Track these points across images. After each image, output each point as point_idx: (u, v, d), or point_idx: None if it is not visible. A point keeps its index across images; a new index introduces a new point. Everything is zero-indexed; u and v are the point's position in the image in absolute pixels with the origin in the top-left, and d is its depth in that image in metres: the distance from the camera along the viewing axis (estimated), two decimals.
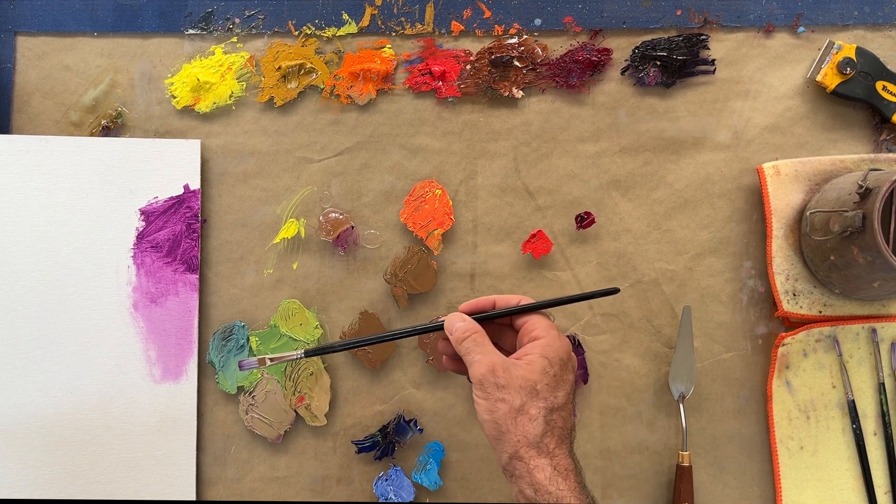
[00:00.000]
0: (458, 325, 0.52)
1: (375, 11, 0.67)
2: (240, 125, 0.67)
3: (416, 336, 0.59)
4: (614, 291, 0.53)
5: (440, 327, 0.53)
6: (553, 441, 0.48)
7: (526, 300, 0.54)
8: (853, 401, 0.63)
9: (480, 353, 0.50)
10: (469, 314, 0.53)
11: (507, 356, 0.51)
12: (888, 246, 0.55)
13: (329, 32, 0.67)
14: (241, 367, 0.54)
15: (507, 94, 0.66)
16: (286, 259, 0.66)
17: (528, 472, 0.47)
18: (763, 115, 0.66)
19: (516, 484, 0.48)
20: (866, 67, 0.64)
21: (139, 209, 0.65)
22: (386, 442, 0.64)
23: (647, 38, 0.66)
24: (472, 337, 0.51)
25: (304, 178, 0.67)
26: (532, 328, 0.52)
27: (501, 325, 0.55)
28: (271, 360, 0.54)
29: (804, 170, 0.63)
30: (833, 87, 0.64)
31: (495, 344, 0.52)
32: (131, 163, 0.65)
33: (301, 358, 0.54)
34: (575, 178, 0.66)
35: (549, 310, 0.54)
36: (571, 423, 0.51)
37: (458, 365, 0.54)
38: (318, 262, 0.66)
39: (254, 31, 0.67)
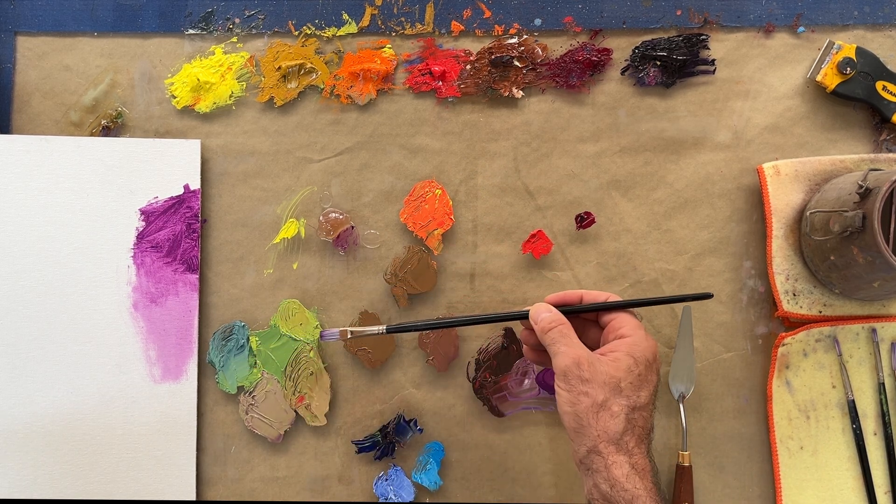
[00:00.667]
0: (545, 315, 0.52)
1: (375, 11, 0.67)
2: (240, 125, 0.67)
3: (478, 324, 0.60)
4: (708, 296, 0.54)
5: (525, 315, 0.54)
6: (633, 440, 0.48)
7: (614, 297, 0.54)
8: (853, 401, 0.63)
9: (566, 344, 0.50)
10: (555, 306, 0.53)
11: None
12: (888, 246, 0.55)
13: (329, 32, 0.67)
14: (322, 336, 0.56)
15: (507, 94, 0.66)
16: (286, 259, 0.66)
17: (605, 468, 0.47)
18: (763, 115, 0.66)
19: (591, 478, 0.48)
20: (866, 67, 0.64)
21: (139, 209, 0.65)
22: (386, 442, 0.64)
23: (647, 38, 0.66)
24: (559, 328, 0.51)
25: (304, 178, 0.67)
26: (619, 325, 0.52)
27: (586, 321, 0.55)
28: (352, 332, 0.56)
29: (804, 170, 0.63)
30: (833, 87, 0.64)
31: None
32: (131, 163, 0.65)
33: (382, 333, 0.56)
34: (575, 178, 0.66)
35: (636, 309, 0.54)
36: (651, 424, 0.50)
37: (540, 356, 0.54)
38: (318, 262, 0.66)
39: (254, 31, 0.67)
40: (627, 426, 0.48)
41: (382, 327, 0.56)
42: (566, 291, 0.55)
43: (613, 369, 0.49)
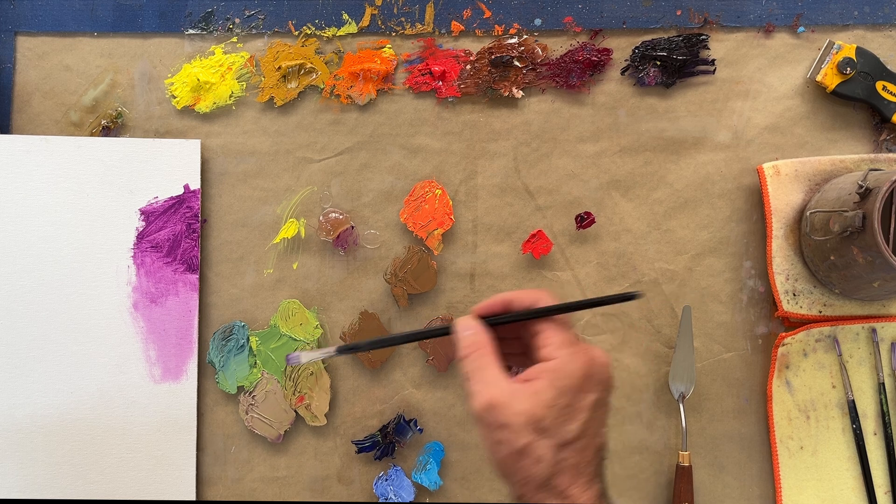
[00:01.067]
0: (463, 335, 0.45)
1: (375, 11, 0.67)
2: (240, 125, 0.67)
3: (411, 342, 0.55)
4: (634, 296, 0.46)
5: (448, 332, 0.47)
6: (566, 479, 0.42)
7: (545, 298, 0.46)
8: (853, 401, 0.63)
9: (479, 381, 0.43)
10: (484, 317, 0.46)
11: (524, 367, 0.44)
12: (888, 246, 0.55)
13: (329, 32, 0.67)
14: (288, 361, 0.51)
15: (507, 94, 0.66)
16: (286, 259, 0.66)
17: None
18: (763, 115, 0.66)
19: None
20: (866, 67, 0.64)
21: (139, 209, 0.65)
22: (386, 442, 0.64)
23: (647, 38, 0.66)
24: (473, 356, 0.44)
25: (304, 178, 0.67)
26: (543, 343, 0.44)
27: (523, 326, 0.47)
28: (305, 356, 0.51)
29: (804, 170, 0.63)
30: (833, 87, 0.64)
31: (509, 355, 0.46)
32: (131, 163, 0.65)
33: (333, 356, 0.51)
34: (575, 178, 0.66)
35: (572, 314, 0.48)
36: (592, 451, 0.43)
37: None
38: (318, 262, 0.66)
39: (254, 31, 0.67)
40: (555, 469, 0.41)
41: (332, 349, 0.49)
42: (493, 298, 0.47)
43: (533, 405, 0.42)
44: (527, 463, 0.42)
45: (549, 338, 0.44)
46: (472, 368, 0.44)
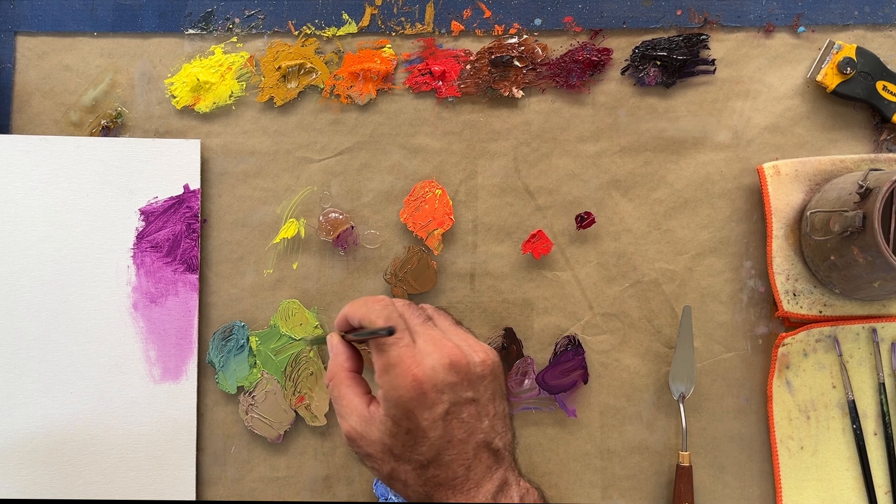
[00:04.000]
0: (332, 357, 0.45)
1: (375, 11, 0.67)
2: (240, 125, 0.67)
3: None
4: (390, 332, 0.42)
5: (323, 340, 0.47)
6: (445, 492, 0.41)
7: (350, 315, 0.45)
8: (853, 401, 0.63)
9: (340, 412, 0.44)
10: (344, 332, 0.46)
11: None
12: (888, 246, 0.55)
13: (329, 32, 0.67)
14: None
15: (507, 94, 0.66)
16: (286, 259, 0.66)
17: None
18: (763, 115, 0.66)
19: None
20: (866, 67, 0.64)
21: (139, 209, 0.65)
22: None
23: (647, 37, 0.66)
24: (333, 384, 0.45)
25: (304, 178, 0.67)
26: (376, 367, 0.42)
27: None
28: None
29: (804, 170, 0.63)
30: (833, 87, 0.64)
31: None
32: (131, 163, 0.65)
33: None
34: (575, 178, 0.66)
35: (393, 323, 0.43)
36: (468, 457, 0.41)
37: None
38: (318, 262, 0.66)
39: (254, 31, 0.67)
40: (427, 487, 0.41)
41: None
42: (340, 313, 0.46)
43: (381, 435, 0.41)
44: (399, 486, 0.42)
45: (375, 361, 0.43)
46: (334, 396, 0.44)
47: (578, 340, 0.65)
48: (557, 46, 0.67)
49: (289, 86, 0.67)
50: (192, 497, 0.64)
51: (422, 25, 0.67)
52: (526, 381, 0.65)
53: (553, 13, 0.67)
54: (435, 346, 0.42)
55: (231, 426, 0.65)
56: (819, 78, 0.64)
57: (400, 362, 0.41)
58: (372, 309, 0.44)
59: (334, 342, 0.46)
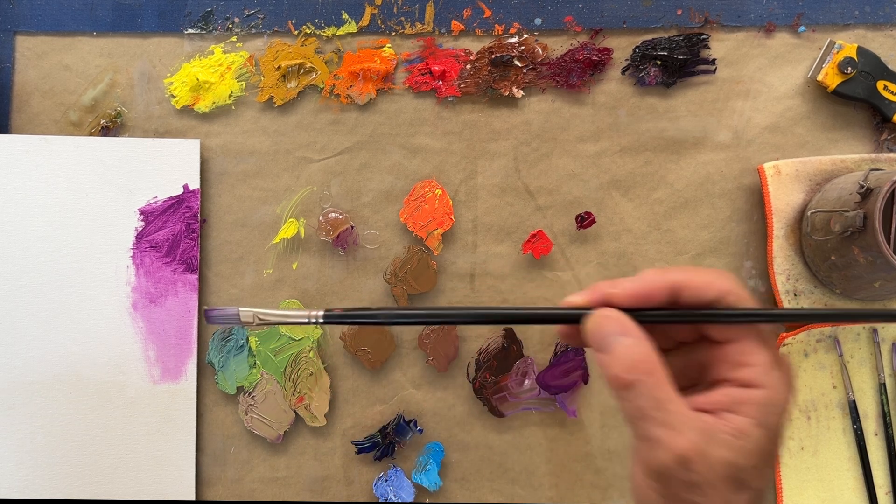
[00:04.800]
0: (622, 343, 0.32)
1: (375, 11, 0.67)
2: (239, 125, 0.67)
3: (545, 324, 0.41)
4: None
5: (573, 318, 0.33)
6: None
7: (733, 291, 0.33)
8: (854, 401, 0.62)
9: (662, 424, 0.31)
10: (627, 309, 0.32)
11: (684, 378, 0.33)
12: (889, 246, 0.55)
13: (329, 32, 0.67)
14: (208, 317, 0.39)
15: (507, 93, 0.66)
16: (286, 259, 0.66)
17: None
18: (763, 114, 0.65)
19: None
20: (867, 67, 0.64)
21: (138, 209, 0.65)
22: (386, 442, 0.64)
23: (648, 37, 0.66)
24: (645, 385, 0.31)
25: (304, 177, 0.66)
26: (742, 361, 0.33)
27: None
28: (261, 317, 0.38)
29: (805, 170, 0.63)
30: (834, 86, 0.64)
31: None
32: (130, 163, 0.65)
33: (318, 322, 0.37)
34: (575, 177, 0.66)
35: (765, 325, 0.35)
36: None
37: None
38: (318, 262, 0.66)
39: (253, 31, 0.67)
40: None
41: (319, 313, 0.35)
42: (644, 278, 0.33)
43: (734, 454, 0.31)
44: None
45: (753, 357, 0.33)
46: (647, 404, 0.31)
47: None
48: (557, 46, 0.67)
49: (288, 85, 0.67)
50: (192, 497, 0.64)
51: (422, 25, 0.67)
52: (526, 382, 0.64)
53: (553, 13, 0.67)
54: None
55: (231, 426, 0.65)
56: (819, 78, 0.64)
57: (783, 362, 0.34)
58: (736, 284, 0.33)
59: (626, 325, 0.32)
